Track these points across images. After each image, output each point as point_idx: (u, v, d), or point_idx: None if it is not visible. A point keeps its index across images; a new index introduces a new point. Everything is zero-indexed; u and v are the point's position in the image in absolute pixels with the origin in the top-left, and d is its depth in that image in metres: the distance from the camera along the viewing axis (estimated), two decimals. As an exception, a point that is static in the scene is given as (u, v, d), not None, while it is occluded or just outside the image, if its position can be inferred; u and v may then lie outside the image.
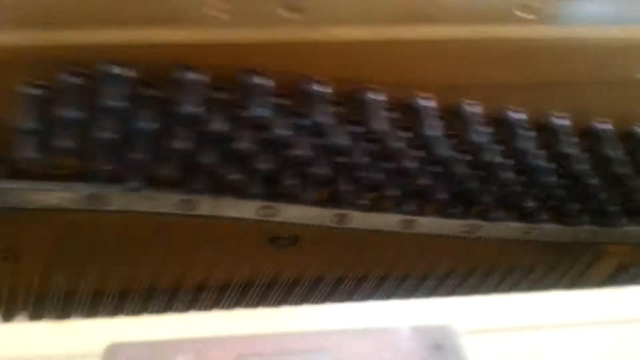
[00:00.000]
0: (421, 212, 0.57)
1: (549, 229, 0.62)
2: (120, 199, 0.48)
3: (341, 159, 0.48)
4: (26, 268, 0.53)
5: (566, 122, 0.50)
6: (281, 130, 0.42)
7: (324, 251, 0.64)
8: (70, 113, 0.39)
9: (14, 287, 0.56)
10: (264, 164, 0.46)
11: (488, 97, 0.48)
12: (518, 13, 0.36)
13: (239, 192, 0.50)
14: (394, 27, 0.38)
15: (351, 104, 0.46)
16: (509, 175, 0.50)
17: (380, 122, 0.43)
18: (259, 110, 0.39)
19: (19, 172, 0.44)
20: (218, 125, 0.41)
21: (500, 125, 0.49)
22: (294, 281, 0.66)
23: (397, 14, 0.36)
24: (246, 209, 0.52)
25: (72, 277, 0.56)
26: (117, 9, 0.36)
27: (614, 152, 0.49)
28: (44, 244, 0.51)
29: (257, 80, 0.42)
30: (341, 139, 0.44)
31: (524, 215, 0.58)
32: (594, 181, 0.52)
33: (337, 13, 0.36)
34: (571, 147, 0.50)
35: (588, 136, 0.52)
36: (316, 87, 0.43)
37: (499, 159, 0.51)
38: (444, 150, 0.46)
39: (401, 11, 0.37)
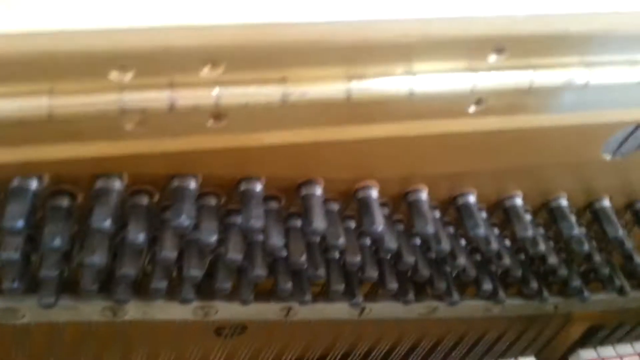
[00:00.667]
0: (373, 299, 0.53)
1: (512, 304, 0.59)
2: (35, 311, 0.43)
3: (279, 257, 0.44)
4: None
5: (520, 202, 0.47)
6: (209, 235, 0.38)
7: (276, 336, 0.59)
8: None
9: None
10: (193, 271, 0.41)
11: (441, 184, 0.45)
12: (471, 109, 0.33)
13: (170, 295, 0.46)
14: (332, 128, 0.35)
15: (290, 199, 0.42)
16: (462, 261, 0.46)
17: (319, 220, 0.39)
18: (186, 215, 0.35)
19: None
20: (138, 234, 0.36)
21: (457, 210, 0.46)
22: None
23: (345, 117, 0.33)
24: (180, 311, 0.48)
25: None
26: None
27: (572, 230, 0.46)
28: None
29: (182, 182, 0.38)
30: (276, 238, 0.39)
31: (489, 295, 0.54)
32: (554, 260, 0.49)
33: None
34: (528, 229, 0.47)
35: (548, 214, 0.49)
36: (247, 186, 0.39)
37: (455, 244, 0.47)
38: (391, 242, 0.43)
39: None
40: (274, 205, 0.42)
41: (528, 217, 0.49)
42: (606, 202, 0.50)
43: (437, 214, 0.47)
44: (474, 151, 0.39)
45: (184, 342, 0.56)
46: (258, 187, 0.39)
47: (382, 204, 0.45)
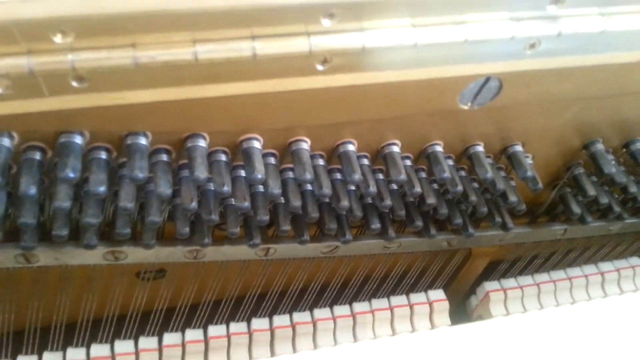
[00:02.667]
0: (275, 241, 0.58)
1: (407, 242, 0.65)
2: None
3: (173, 203, 0.49)
4: None
5: (397, 149, 0.52)
6: (98, 185, 0.42)
7: (193, 278, 0.64)
8: None
9: None
10: (92, 218, 0.45)
11: (323, 134, 0.49)
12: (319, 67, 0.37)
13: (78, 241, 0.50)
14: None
15: (178, 151, 0.46)
16: (345, 203, 0.51)
17: (202, 170, 0.43)
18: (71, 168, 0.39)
19: None
20: (30, 185, 0.40)
21: (339, 158, 0.51)
22: (168, 310, 0.67)
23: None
24: (91, 257, 0.52)
25: None
26: None
27: (443, 173, 0.51)
28: None
29: (68, 138, 0.41)
30: (165, 186, 0.44)
31: (379, 233, 0.60)
32: (432, 200, 0.55)
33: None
34: (408, 172, 0.52)
35: (426, 160, 0.55)
36: (132, 140, 0.43)
37: (339, 187, 0.52)
38: (275, 187, 0.47)
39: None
40: (163, 157, 0.46)
41: (407, 162, 0.54)
42: (479, 148, 0.55)
43: (322, 162, 0.51)
44: (338, 105, 0.43)
45: (106, 285, 0.61)
46: (143, 140, 0.43)
47: (270, 154, 0.50)
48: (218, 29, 0.34)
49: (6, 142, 0.39)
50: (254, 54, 0.34)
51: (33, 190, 0.40)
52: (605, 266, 0.85)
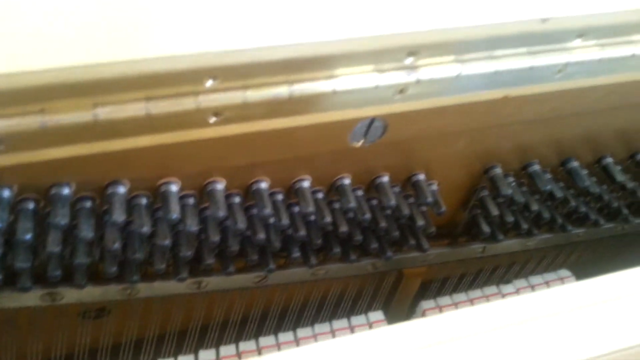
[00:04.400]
0: (206, 274, 0.63)
1: (334, 268, 0.70)
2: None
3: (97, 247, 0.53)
4: None
5: (307, 184, 0.58)
6: (25, 233, 0.46)
7: (136, 315, 0.68)
8: None
9: None
10: (23, 263, 0.50)
11: (238, 174, 0.55)
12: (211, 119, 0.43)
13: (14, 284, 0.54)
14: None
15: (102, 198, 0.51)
16: (262, 235, 0.56)
17: (119, 214, 0.48)
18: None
19: None
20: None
21: (253, 195, 0.56)
22: (114, 346, 0.70)
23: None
24: (28, 299, 0.56)
25: None
26: None
27: (349, 204, 0.57)
28: None
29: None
30: (87, 231, 0.49)
31: (303, 261, 0.65)
32: (344, 228, 0.60)
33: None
34: (319, 203, 0.58)
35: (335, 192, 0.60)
36: (56, 190, 0.48)
37: (256, 221, 0.58)
38: (192, 224, 0.52)
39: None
40: (87, 204, 0.51)
41: (320, 195, 0.60)
42: (385, 179, 0.61)
43: (238, 199, 0.57)
44: (240, 149, 0.49)
45: (50, 327, 0.64)
46: (66, 190, 0.48)
47: (189, 195, 0.55)
48: (115, 94, 0.39)
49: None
50: (148, 113, 0.40)
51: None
52: (536, 279, 0.91)
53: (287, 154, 0.52)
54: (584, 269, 0.93)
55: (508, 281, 0.89)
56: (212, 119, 0.43)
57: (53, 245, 0.49)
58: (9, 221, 0.46)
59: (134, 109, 0.40)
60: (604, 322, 0.44)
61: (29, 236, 0.46)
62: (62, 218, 0.47)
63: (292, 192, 0.59)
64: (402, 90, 0.47)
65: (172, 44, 0.39)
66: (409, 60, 0.45)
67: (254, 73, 0.42)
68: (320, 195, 0.60)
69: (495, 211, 0.68)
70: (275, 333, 0.75)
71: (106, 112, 0.40)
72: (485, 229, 0.71)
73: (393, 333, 0.42)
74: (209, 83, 0.41)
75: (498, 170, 0.66)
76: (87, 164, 0.46)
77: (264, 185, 0.56)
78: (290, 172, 0.57)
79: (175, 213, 0.50)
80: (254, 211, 0.59)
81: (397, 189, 0.64)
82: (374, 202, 0.64)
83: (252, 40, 0.41)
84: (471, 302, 0.87)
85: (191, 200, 0.55)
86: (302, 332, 0.77)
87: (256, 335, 0.76)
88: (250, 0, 0.43)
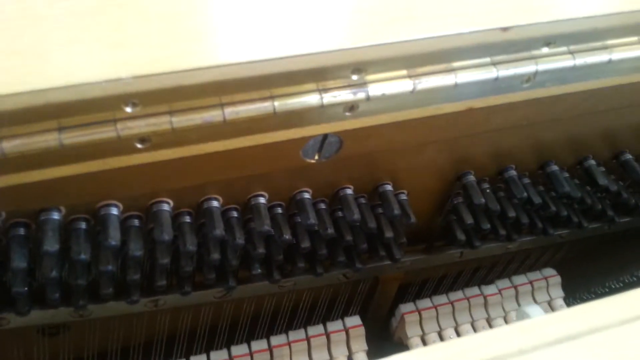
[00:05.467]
0: (164, 292, 0.60)
1: (303, 280, 0.67)
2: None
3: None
4: None
5: (263, 200, 0.54)
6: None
7: (97, 331, 0.66)
8: None
9: None
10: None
11: (185, 194, 0.51)
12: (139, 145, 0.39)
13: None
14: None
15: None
16: (216, 255, 0.53)
17: (51, 243, 0.45)
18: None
19: None
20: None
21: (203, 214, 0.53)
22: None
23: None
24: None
25: None
26: None
27: (308, 219, 0.53)
28: None
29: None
30: (20, 260, 0.46)
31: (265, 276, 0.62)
32: (307, 244, 0.57)
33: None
34: (279, 220, 0.55)
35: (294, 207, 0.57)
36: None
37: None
38: (136, 248, 0.49)
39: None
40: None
41: (279, 210, 0.57)
42: (348, 191, 0.58)
43: (188, 219, 0.53)
44: (180, 172, 0.45)
45: (8, 343, 0.62)
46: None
47: (135, 217, 0.52)
48: (24, 124, 0.36)
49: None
50: (61, 143, 0.36)
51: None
52: (519, 279, 0.88)
53: (236, 173, 0.48)
54: (569, 267, 0.90)
55: (491, 281, 0.86)
56: (139, 145, 0.40)
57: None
58: None
59: (46, 140, 0.36)
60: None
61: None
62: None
63: (248, 209, 0.55)
64: (352, 107, 0.43)
65: (82, 72, 0.35)
66: (355, 77, 0.41)
67: (180, 97, 0.38)
68: (279, 210, 0.57)
69: (469, 219, 0.64)
70: (248, 341, 0.73)
71: (15, 146, 0.36)
72: (461, 236, 0.67)
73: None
74: (129, 109, 0.37)
75: (471, 177, 0.62)
76: (14, 192, 0.42)
77: (215, 203, 0.53)
78: (244, 189, 0.53)
79: (113, 240, 0.47)
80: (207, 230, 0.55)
81: (363, 200, 0.60)
82: (340, 214, 0.61)
83: (175, 62, 0.37)
84: (452, 304, 0.84)
85: (136, 222, 0.52)
86: (275, 339, 0.74)
87: (227, 345, 0.74)
88: (175, 20, 0.39)
